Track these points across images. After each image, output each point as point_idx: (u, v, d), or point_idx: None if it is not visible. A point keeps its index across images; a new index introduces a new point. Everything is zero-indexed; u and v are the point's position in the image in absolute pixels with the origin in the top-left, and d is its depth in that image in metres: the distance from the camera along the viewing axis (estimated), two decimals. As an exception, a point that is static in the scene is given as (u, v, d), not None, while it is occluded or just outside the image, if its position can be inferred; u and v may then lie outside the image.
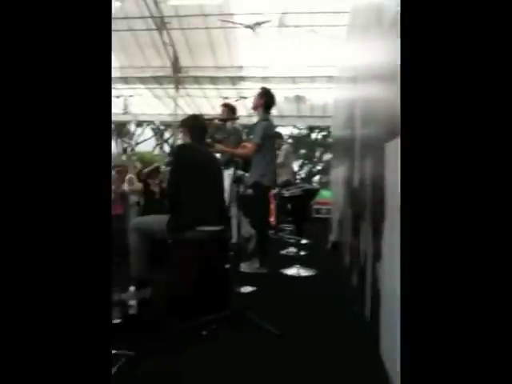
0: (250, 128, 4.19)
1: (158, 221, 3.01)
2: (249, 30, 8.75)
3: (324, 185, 23.70)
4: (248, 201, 3.98)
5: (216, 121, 4.58)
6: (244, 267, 3.99)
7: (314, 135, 23.45)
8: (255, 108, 4.20)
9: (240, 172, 2.89)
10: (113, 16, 8.86)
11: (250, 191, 4.06)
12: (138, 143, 22.63)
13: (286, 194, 4.53)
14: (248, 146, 4.12)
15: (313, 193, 4.74)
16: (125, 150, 21.82)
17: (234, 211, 3.76)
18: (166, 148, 22.15)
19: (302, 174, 23.50)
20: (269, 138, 4.11)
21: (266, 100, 4.14)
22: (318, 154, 24.49)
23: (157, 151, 21.97)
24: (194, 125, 3.16)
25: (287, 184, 6.45)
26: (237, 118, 4.73)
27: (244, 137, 5.37)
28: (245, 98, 11.36)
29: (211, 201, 2.99)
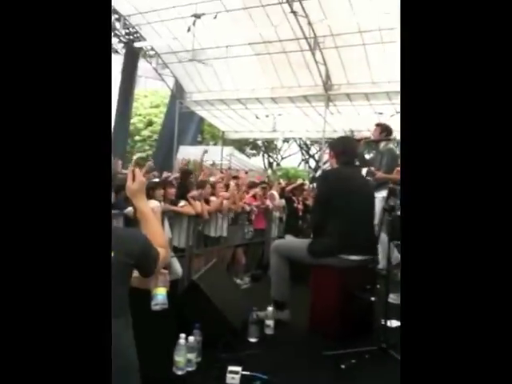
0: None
1: (298, 245, 2.94)
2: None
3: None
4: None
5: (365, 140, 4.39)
6: (393, 298, 3.63)
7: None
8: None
9: (394, 200, 2.61)
10: (265, 40, 9.47)
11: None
12: (283, 158, 23.26)
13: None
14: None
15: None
16: (270, 165, 22.66)
17: (383, 236, 3.46)
18: (312, 163, 22.32)
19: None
20: None
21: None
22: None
23: (302, 167, 22.26)
24: (344, 149, 2.96)
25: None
26: (389, 139, 4.41)
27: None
28: (398, 113, 10.74)
29: (358, 228, 2.75)
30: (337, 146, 3.00)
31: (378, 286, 2.73)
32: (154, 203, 3.94)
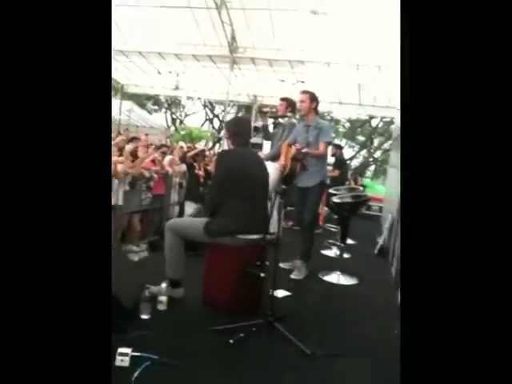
0: (307, 127, 3.94)
1: (194, 224, 2.95)
2: (312, 14, 8.40)
3: (378, 176, 23.04)
4: (305, 200, 3.88)
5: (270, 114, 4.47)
6: (285, 265, 3.89)
7: (374, 122, 22.35)
8: (306, 113, 3.99)
9: (284, 187, 2.76)
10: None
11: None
12: (187, 115, 22.81)
13: (336, 200, 4.31)
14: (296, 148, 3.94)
15: (363, 202, 4.49)
16: (174, 121, 22.07)
17: (274, 214, 3.64)
18: (216, 123, 22.20)
19: (356, 163, 22.74)
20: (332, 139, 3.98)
21: (316, 103, 3.96)
22: (376, 142, 23.54)
23: (206, 126, 22.06)
24: (238, 130, 3.00)
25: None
26: (293, 116, 4.57)
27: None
28: (302, 82, 11.03)
29: (253, 209, 2.85)
30: (232, 127, 3.04)
31: (267, 263, 2.88)
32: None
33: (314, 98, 3.92)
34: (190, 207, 6.15)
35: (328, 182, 4.49)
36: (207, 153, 7.11)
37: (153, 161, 5.84)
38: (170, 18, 9.67)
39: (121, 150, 5.01)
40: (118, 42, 10.60)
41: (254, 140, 5.04)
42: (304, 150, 3.80)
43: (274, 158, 4.55)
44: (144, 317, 2.62)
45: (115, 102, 13.03)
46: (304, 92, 3.96)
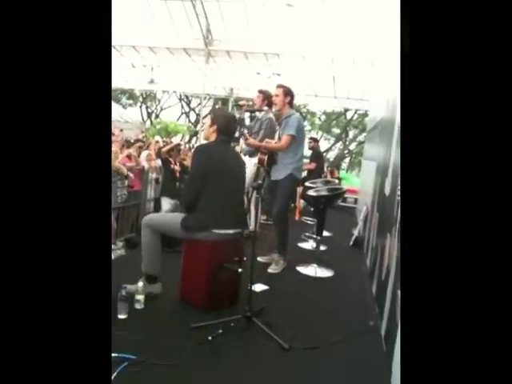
0: (280, 121, 3.97)
1: (170, 219, 2.94)
2: (288, 6, 8.40)
3: (353, 168, 23.32)
4: (275, 193, 3.90)
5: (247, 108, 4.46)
6: (262, 258, 3.93)
7: (349, 114, 22.58)
8: (280, 108, 3.99)
9: (260, 182, 2.76)
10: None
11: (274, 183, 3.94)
12: (162, 109, 22.55)
13: (312, 193, 4.36)
14: (274, 142, 3.99)
15: (338, 195, 4.55)
16: (149, 115, 21.78)
17: (252, 208, 3.67)
18: (192, 117, 21.99)
19: (332, 155, 22.95)
20: (302, 131, 4.00)
21: (290, 97, 3.96)
22: (351, 134, 23.78)
23: (182, 120, 21.86)
24: (226, 126, 2.95)
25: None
26: (269, 110, 4.56)
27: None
28: (278, 75, 11.06)
29: (230, 204, 2.85)
30: (221, 121, 2.95)
31: (245, 258, 2.89)
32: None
33: (287, 93, 3.93)
34: (166, 203, 6.11)
35: (302, 175, 4.49)
36: (183, 147, 7.04)
37: (128, 156, 5.78)
38: (143, 11, 9.52)
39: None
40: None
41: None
42: (263, 143, 3.88)
43: (252, 153, 4.56)
44: (121, 317, 2.61)
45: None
46: (278, 86, 3.97)
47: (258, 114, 4.73)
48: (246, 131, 4.09)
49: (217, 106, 20.72)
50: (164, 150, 6.22)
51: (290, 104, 3.98)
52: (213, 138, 2.96)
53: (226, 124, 2.96)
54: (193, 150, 3.32)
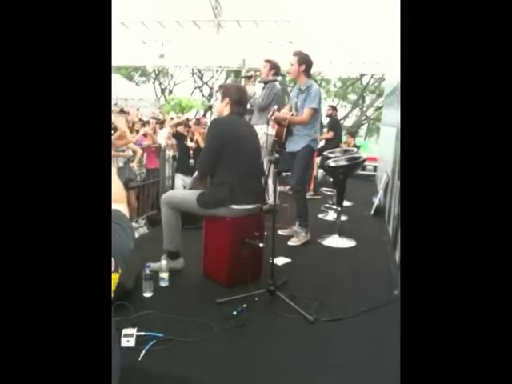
0: (299, 91, 3.85)
1: (188, 196, 2.93)
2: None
3: (371, 134, 22.89)
4: (293, 164, 3.85)
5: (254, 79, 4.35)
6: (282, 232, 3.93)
7: (365, 80, 21.98)
8: (296, 77, 3.87)
9: (277, 156, 2.69)
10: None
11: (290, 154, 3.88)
12: (176, 84, 22.36)
13: (331, 163, 4.28)
14: (288, 113, 3.88)
15: (358, 164, 4.44)
16: (163, 91, 21.66)
17: (270, 182, 3.64)
18: (206, 91, 21.77)
19: (349, 122, 22.52)
20: (320, 103, 3.87)
21: (306, 65, 3.79)
22: (368, 100, 23.22)
23: (195, 95, 21.68)
24: (239, 99, 2.90)
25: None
26: (275, 80, 4.42)
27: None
28: (290, 42, 10.78)
29: (247, 179, 2.82)
30: (234, 94, 2.90)
31: (266, 233, 2.88)
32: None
33: (302, 61, 3.78)
34: (179, 179, 6.14)
35: (318, 145, 4.39)
36: (191, 122, 6.99)
37: (144, 135, 5.78)
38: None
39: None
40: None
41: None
42: (288, 116, 3.78)
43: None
44: (147, 295, 2.65)
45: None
46: (294, 54, 3.84)
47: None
48: (276, 106, 3.98)
49: (229, 79, 20.46)
50: (171, 123, 6.22)
51: (307, 73, 3.84)
52: (226, 112, 2.91)
53: (238, 97, 2.90)
54: (208, 124, 3.28)
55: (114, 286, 1.10)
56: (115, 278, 1.11)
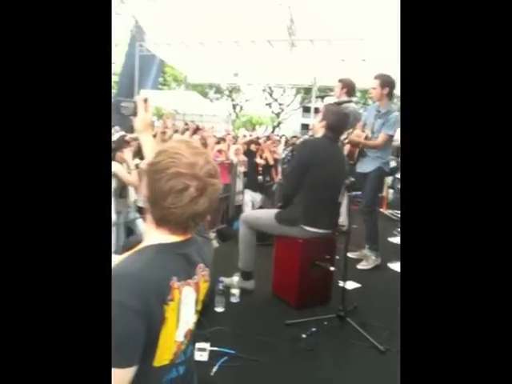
0: (377, 112, 3.76)
1: (265, 215, 3.00)
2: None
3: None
4: (364, 185, 3.79)
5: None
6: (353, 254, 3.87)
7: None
8: (378, 100, 3.79)
9: (352, 179, 2.67)
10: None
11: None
12: (246, 100, 22.85)
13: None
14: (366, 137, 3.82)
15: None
16: (234, 107, 22.22)
17: (344, 206, 3.62)
18: (275, 108, 22.01)
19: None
20: (397, 130, 3.76)
21: (389, 88, 3.70)
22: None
23: (265, 111, 21.97)
24: (338, 125, 2.90)
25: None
26: (351, 101, 4.37)
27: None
28: (363, 60, 10.65)
29: (324, 203, 2.84)
30: (331, 119, 2.88)
31: (337, 257, 2.87)
32: (115, 166, 3.86)
33: (385, 84, 3.69)
34: (247, 195, 6.27)
35: (389, 167, 4.25)
36: (261, 140, 7.12)
37: (218, 151, 6.00)
38: (227, 6, 9.70)
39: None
40: (178, 32, 10.87)
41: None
42: (362, 141, 3.72)
43: None
44: (218, 310, 2.74)
45: (180, 93, 13.38)
46: (375, 77, 3.76)
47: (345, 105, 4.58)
48: (367, 123, 3.88)
49: (298, 96, 20.54)
50: (241, 142, 6.38)
51: (389, 95, 3.75)
52: (320, 133, 2.92)
53: (336, 122, 2.89)
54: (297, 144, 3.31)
55: (202, 296, 1.17)
56: (205, 286, 1.18)
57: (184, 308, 1.05)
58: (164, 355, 1.01)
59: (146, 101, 1.47)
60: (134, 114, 1.46)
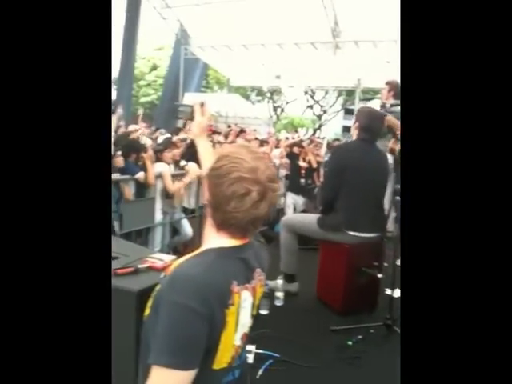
0: None
1: (307, 220, 2.98)
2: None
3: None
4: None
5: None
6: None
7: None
8: None
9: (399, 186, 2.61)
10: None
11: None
12: (288, 102, 22.77)
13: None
14: None
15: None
16: (275, 109, 22.20)
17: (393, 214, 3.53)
18: (317, 109, 21.82)
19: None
20: None
21: None
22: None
23: (306, 113, 21.79)
24: (369, 126, 2.83)
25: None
26: (397, 104, 4.24)
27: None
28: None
29: (367, 206, 2.78)
30: (363, 120, 2.84)
31: (386, 264, 2.80)
32: (163, 166, 3.95)
33: None
34: (289, 198, 6.23)
35: None
36: (305, 143, 7.06)
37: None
38: (271, 9, 9.74)
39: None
40: (222, 36, 11.03)
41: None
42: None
43: None
44: (263, 312, 2.74)
45: (222, 96, 13.56)
46: None
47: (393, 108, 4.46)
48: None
49: (340, 98, 20.28)
50: (285, 145, 6.36)
51: None
52: (355, 136, 2.88)
53: (367, 123, 2.83)
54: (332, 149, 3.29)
55: (258, 300, 1.17)
56: (261, 291, 1.18)
57: (242, 312, 1.05)
58: (223, 358, 1.02)
59: (202, 105, 1.49)
60: (191, 118, 1.48)
